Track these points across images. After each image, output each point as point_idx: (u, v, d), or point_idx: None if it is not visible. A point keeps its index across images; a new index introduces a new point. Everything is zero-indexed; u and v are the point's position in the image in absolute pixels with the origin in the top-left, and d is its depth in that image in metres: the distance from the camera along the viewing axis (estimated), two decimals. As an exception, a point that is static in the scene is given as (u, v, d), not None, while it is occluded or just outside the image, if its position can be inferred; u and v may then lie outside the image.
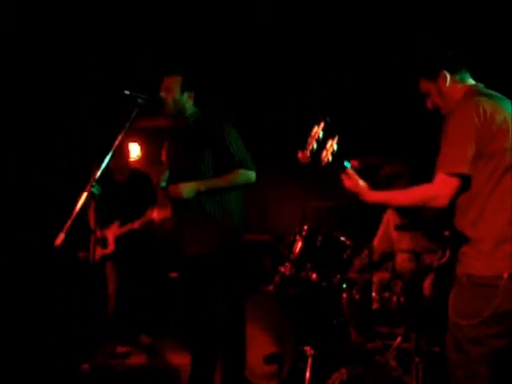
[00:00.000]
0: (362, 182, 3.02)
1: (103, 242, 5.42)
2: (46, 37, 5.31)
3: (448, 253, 3.17)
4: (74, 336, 5.39)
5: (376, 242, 4.76)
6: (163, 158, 4.20)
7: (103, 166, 3.44)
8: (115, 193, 5.35)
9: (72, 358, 5.04)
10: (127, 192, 5.49)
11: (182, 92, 3.97)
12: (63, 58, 5.40)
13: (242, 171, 3.91)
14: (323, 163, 2.95)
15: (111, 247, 5.41)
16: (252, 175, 3.96)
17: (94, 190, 3.43)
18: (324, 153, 2.95)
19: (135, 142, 6.63)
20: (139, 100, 3.59)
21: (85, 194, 3.37)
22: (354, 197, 3.03)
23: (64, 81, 5.52)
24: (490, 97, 2.90)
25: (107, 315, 5.41)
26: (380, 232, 4.78)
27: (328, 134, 2.96)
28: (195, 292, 3.91)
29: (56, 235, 3.22)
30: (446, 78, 2.97)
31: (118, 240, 5.39)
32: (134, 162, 6.27)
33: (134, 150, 6.57)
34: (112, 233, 5.42)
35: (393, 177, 4.41)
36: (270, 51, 5.67)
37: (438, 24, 4.90)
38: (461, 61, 3.04)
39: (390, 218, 4.65)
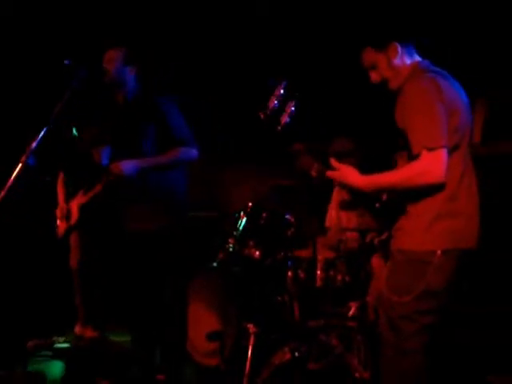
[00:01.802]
0: (349, 169, 2.93)
1: (68, 215, 5.28)
2: (45, 38, 5.22)
3: (387, 230, 3.12)
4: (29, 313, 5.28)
5: (327, 222, 4.74)
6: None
7: (40, 136, 3.37)
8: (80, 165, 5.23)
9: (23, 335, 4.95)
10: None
11: (125, 65, 3.89)
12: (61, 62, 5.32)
13: (183, 149, 3.86)
14: (281, 124, 2.87)
15: (75, 217, 5.27)
16: (193, 153, 3.92)
17: (30, 161, 3.35)
18: (283, 114, 2.88)
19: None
20: (80, 70, 3.51)
21: (19, 165, 3.31)
22: (308, 163, 2.96)
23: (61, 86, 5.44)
24: (441, 75, 2.87)
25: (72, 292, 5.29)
26: (330, 211, 4.77)
27: (288, 95, 2.89)
28: (135, 269, 3.86)
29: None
30: (396, 49, 2.92)
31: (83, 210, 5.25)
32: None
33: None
34: (76, 202, 5.29)
35: (342, 154, 4.38)
36: (270, 48, 5.61)
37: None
38: (412, 35, 3.00)
39: (336, 197, 4.64)
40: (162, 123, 3.80)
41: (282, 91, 2.90)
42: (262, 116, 2.91)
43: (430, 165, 2.69)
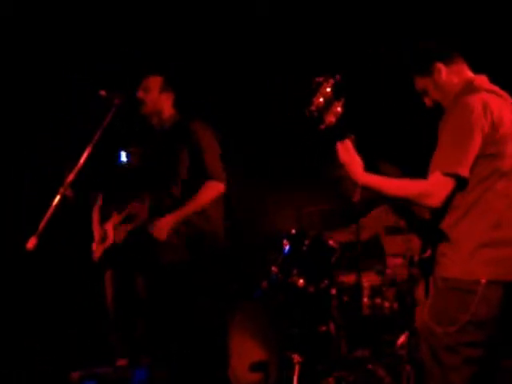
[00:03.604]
0: (358, 159, 2.77)
1: (104, 238, 5.30)
2: (45, 38, 5.29)
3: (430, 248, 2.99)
4: (67, 342, 5.31)
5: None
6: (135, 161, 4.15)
7: (78, 167, 3.40)
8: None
9: (64, 365, 4.96)
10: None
11: (161, 93, 3.90)
12: (61, 62, 5.38)
13: (212, 185, 3.85)
14: (326, 124, 2.75)
15: (111, 238, 5.27)
16: (221, 188, 3.91)
17: (68, 193, 3.38)
18: (328, 114, 2.77)
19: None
20: (115, 100, 3.54)
21: (58, 197, 3.34)
22: (343, 173, 2.84)
23: (61, 86, 5.50)
24: (494, 93, 2.76)
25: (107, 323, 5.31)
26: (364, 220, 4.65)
27: (335, 95, 2.78)
28: (168, 302, 3.84)
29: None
30: (440, 70, 2.83)
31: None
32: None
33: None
34: (111, 224, 5.30)
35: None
36: (270, 49, 5.58)
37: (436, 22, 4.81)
38: (452, 50, 2.91)
39: (379, 214, 4.54)
40: (195, 150, 3.80)
41: (329, 89, 2.78)
42: (306, 112, 2.79)
43: (435, 189, 2.60)
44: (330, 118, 2.74)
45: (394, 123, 5.32)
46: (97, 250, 5.04)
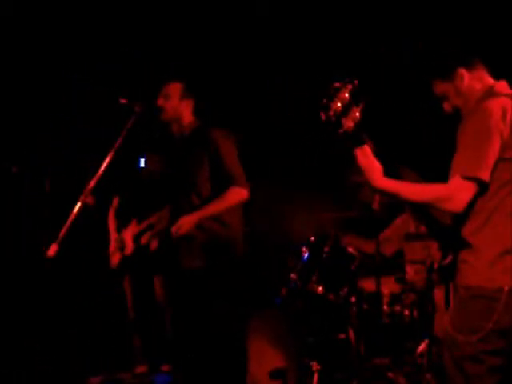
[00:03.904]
0: (377, 164, 2.72)
1: (122, 246, 5.32)
2: (45, 38, 5.29)
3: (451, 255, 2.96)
4: (85, 347, 5.32)
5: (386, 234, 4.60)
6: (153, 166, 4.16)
7: (99, 175, 3.41)
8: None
9: (83, 370, 4.98)
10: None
11: (181, 100, 3.91)
12: (61, 62, 5.38)
13: (234, 190, 3.85)
14: (344, 129, 2.72)
15: (130, 247, 5.29)
16: (244, 193, 3.90)
17: (88, 200, 3.39)
18: (346, 119, 2.74)
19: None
20: (136, 108, 3.55)
21: (79, 205, 3.34)
22: (362, 179, 2.81)
23: (61, 86, 5.50)
24: None
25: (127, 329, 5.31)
26: (387, 231, 4.62)
27: (353, 100, 2.75)
28: (189, 307, 3.84)
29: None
30: (463, 75, 2.81)
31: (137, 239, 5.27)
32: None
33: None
34: (130, 232, 5.32)
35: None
36: (275, 53, 5.57)
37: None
38: (475, 56, 2.88)
39: (400, 225, 4.52)
40: (216, 157, 3.81)
41: (347, 95, 2.74)
42: (323, 117, 2.75)
43: (456, 193, 2.57)
44: (349, 124, 2.70)
45: (412, 127, 5.30)
46: (114, 257, 5.06)
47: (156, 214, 5.01)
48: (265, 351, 4.18)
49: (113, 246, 5.15)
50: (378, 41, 5.20)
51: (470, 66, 2.83)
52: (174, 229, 3.88)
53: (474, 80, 2.82)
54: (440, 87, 2.87)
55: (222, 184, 3.84)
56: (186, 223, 3.82)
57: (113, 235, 5.16)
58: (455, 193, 2.59)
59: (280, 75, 5.57)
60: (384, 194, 2.81)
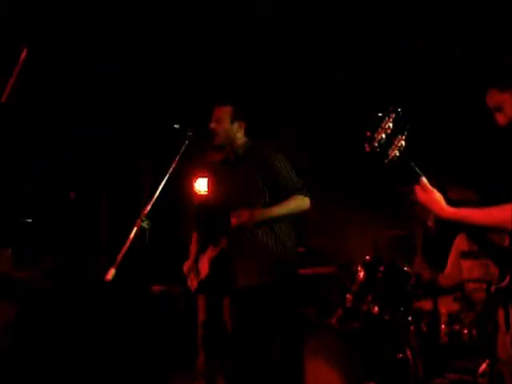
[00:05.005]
0: (437, 195, 2.69)
1: (197, 270, 5.36)
2: (45, 38, 5.28)
3: (509, 276, 2.89)
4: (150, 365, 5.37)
5: (448, 269, 4.55)
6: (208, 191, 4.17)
7: (153, 200, 3.45)
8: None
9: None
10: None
11: (233, 122, 3.94)
12: (61, 62, 5.40)
13: (297, 197, 3.82)
14: (389, 157, 2.70)
15: (205, 271, 5.31)
16: (306, 202, 3.86)
17: (144, 224, 3.42)
18: (391, 148, 2.71)
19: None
20: (189, 133, 3.59)
21: (135, 229, 3.39)
22: (424, 212, 2.78)
23: (61, 86, 5.51)
24: None
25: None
26: (451, 258, 4.57)
27: (398, 129, 2.73)
28: (245, 326, 3.83)
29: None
30: None
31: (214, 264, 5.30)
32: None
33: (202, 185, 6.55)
34: (207, 257, 5.34)
35: (462, 203, 4.19)
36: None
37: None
38: None
39: (458, 245, 4.44)
40: (273, 176, 3.80)
41: (390, 124, 2.72)
42: (367, 148, 2.73)
43: None
44: (394, 152, 2.69)
45: (463, 145, 5.22)
46: (192, 282, 5.10)
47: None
48: (321, 372, 4.17)
49: (186, 271, 5.20)
50: (378, 41, 5.15)
51: None
52: (234, 216, 3.83)
53: None
54: (497, 97, 2.77)
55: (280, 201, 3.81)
56: (246, 214, 3.77)
57: (190, 261, 5.20)
58: None
59: (280, 75, 5.55)
60: (452, 222, 2.75)
